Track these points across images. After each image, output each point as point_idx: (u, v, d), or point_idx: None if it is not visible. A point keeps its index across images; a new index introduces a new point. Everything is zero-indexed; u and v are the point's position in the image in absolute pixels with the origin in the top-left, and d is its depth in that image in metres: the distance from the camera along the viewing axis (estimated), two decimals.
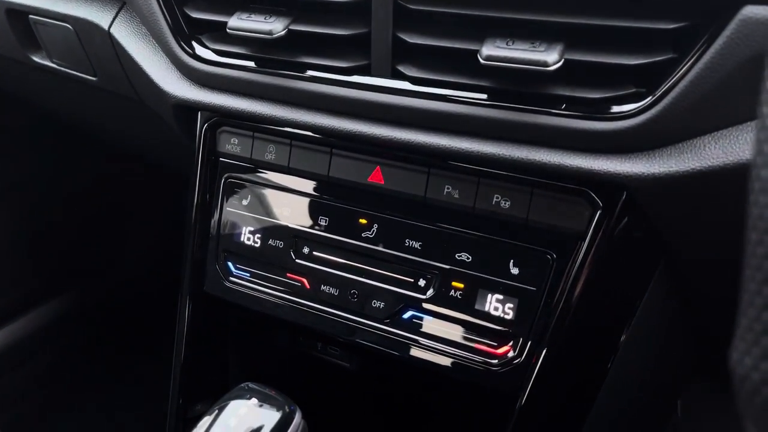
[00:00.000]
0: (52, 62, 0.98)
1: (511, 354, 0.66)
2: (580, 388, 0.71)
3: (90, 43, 0.87)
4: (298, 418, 0.64)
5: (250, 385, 0.67)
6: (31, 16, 0.92)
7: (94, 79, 0.93)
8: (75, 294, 1.44)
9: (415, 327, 0.70)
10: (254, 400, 0.64)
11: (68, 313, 1.42)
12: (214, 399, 0.69)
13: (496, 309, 0.66)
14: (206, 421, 0.64)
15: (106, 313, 1.51)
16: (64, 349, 1.43)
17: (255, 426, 0.62)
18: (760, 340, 0.24)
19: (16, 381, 1.34)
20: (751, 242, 0.25)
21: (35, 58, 1.01)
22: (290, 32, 0.66)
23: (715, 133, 0.55)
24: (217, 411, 0.65)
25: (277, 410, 0.64)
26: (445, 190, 0.67)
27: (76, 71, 0.94)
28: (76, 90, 1.03)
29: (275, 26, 0.65)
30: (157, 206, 1.55)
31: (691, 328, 0.86)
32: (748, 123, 0.54)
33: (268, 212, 0.77)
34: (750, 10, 0.49)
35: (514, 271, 0.65)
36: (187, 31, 0.74)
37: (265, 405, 0.64)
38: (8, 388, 1.32)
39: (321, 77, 0.68)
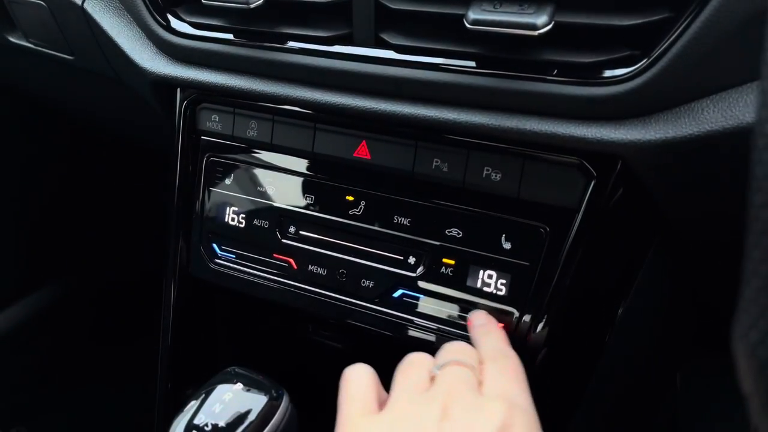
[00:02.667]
0: (29, 42, 0.95)
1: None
2: (576, 364, 0.69)
3: (64, 20, 0.84)
4: (285, 402, 0.62)
5: (237, 369, 0.66)
6: None
7: (71, 58, 0.90)
8: (62, 283, 1.42)
9: (406, 305, 0.68)
10: (240, 385, 0.62)
11: (56, 302, 1.40)
12: (203, 383, 0.67)
13: (488, 285, 0.64)
14: (192, 406, 0.62)
15: (93, 301, 1.49)
16: (54, 337, 1.41)
17: (241, 411, 0.60)
18: (766, 313, 0.22)
19: (8, 371, 1.33)
20: (755, 205, 0.22)
21: (12, 39, 0.98)
22: (268, 2, 0.63)
23: (714, 96, 0.52)
24: (203, 395, 0.63)
25: (264, 394, 0.62)
26: (434, 163, 0.64)
27: (53, 50, 0.91)
28: (57, 72, 1.01)
29: None
30: (143, 190, 1.52)
31: (690, 301, 0.84)
32: (749, 84, 0.51)
33: (253, 191, 0.75)
34: None
35: (506, 245, 0.63)
36: (162, 4, 0.71)
37: (252, 389, 0.62)
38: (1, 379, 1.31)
39: (302, 48, 0.65)
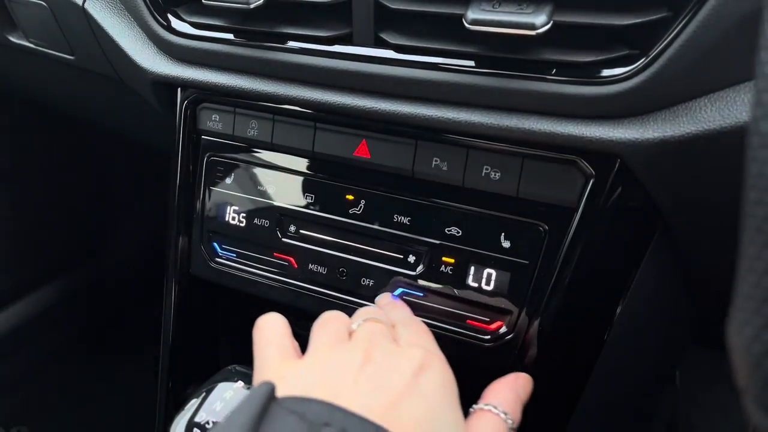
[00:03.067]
0: (30, 42, 0.95)
1: (503, 329, 0.64)
2: (575, 361, 0.69)
3: (65, 20, 0.84)
4: None
5: (237, 367, 0.66)
6: None
7: (71, 58, 0.90)
8: (62, 282, 1.42)
9: (405, 304, 0.68)
10: (240, 383, 0.63)
11: (56, 301, 1.40)
12: (204, 381, 0.67)
13: (487, 284, 0.64)
14: (192, 404, 0.63)
15: (94, 300, 1.49)
16: (54, 336, 1.41)
17: None
18: (761, 309, 0.22)
19: (9, 370, 1.33)
20: (750, 202, 0.23)
21: (13, 39, 0.98)
22: (269, 1, 0.63)
23: (712, 95, 0.52)
24: (204, 394, 0.64)
25: None
26: (434, 162, 0.65)
27: (54, 50, 0.92)
28: (58, 72, 1.01)
29: None
30: (144, 189, 1.53)
31: (689, 298, 0.84)
32: (746, 83, 0.51)
33: (253, 191, 0.75)
34: None
35: (506, 244, 0.63)
36: (162, 4, 0.71)
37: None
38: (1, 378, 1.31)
39: (302, 48, 0.65)
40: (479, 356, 0.65)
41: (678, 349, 1.03)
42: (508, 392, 0.55)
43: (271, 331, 0.53)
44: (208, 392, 0.63)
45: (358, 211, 0.69)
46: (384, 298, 0.66)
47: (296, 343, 0.53)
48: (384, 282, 0.69)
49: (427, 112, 0.61)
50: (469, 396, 0.56)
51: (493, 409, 0.52)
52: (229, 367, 0.67)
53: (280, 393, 0.44)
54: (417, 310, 0.67)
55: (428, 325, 0.66)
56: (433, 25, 0.59)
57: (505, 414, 0.52)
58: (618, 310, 0.67)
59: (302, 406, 0.40)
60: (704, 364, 1.10)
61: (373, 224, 0.69)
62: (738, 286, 0.23)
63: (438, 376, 0.48)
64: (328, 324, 0.54)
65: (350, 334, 0.53)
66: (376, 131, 0.67)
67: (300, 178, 0.72)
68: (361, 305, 0.70)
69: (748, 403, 0.23)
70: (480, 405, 0.53)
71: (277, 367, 0.49)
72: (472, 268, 0.65)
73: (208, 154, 0.77)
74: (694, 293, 0.82)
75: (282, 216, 0.73)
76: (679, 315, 0.88)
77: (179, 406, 0.71)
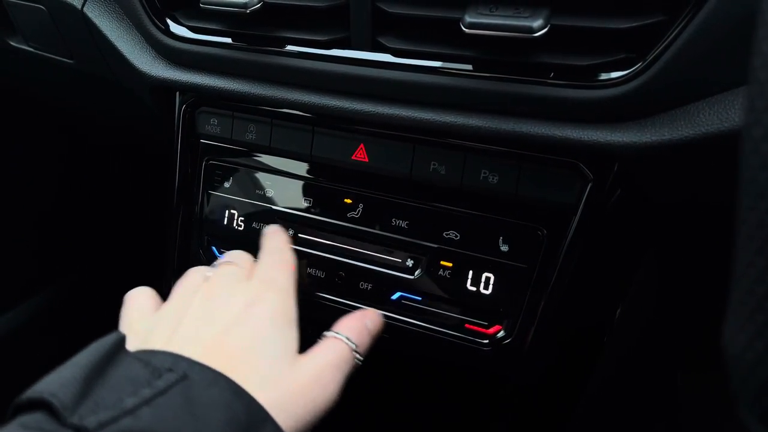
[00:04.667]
0: (29, 46, 0.95)
1: (501, 333, 0.64)
2: (575, 364, 0.69)
3: (64, 23, 0.84)
4: None
5: None
6: None
7: (70, 61, 0.90)
8: (62, 286, 1.42)
9: (404, 308, 0.68)
10: None
11: (56, 305, 1.40)
12: None
13: (486, 287, 0.64)
14: None
15: (93, 304, 1.49)
16: (54, 340, 1.41)
17: None
18: (753, 316, 0.22)
19: (11, 372, 1.33)
20: (743, 208, 0.23)
21: (11, 42, 0.98)
22: (266, 5, 0.63)
23: (709, 98, 0.52)
24: None
25: None
26: (431, 166, 0.65)
27: (53, 54, 0.92)
28: (57, 75, 1.01)
29: None
30: (142, 193, 1.53)
31: (689, 301, 0.84)
32: (744, 87, 0.51)
33: (251, 194, 0.75)
34: None
35: (504, 248, 0.63)
36: (160, 7, 0.71)
37: None
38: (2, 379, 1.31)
39: (299, 52, 0.65)
40: (478, 360, 0.65)
41: (678, 350, 1.03)
42: (354, 321, 0.60)
43: (135, 299, 0.59)
44: None
45: (357, 214, 0.69)
46: (269, 227, 0.69)
47: (159, 304, 0.59)
48: (382, 285, 0.69)
49: (425, 115, 0.61)
50: (469, 397, 0.56)
51: (337, 335, 0.57)
52: None
53: (129, 341, 0.49)
54: (415, 313, 0.68)
55: (426, 329, 0.67)
56: (431, 29, 0.59)
57: (349, 339, 0.57)
58: (617, 313, 0.67)
59: (148, 355, 0.44)
60: (707, 367, 1.10)
61: (371, 228, 0.69)
62: (731, 293, 0.23)
63: (269, 306, 0.53)
64: (185, 277, 0.60)
65: (206, 280, 0.58)
66: (374, 135, 0.67)
67: (298, 182, 0.72)
68: (358, 308, 0.70)
69: (742, 410, 0.23)
70: (330, 333, 0.58)
71: (133, 324, 0.55)
72: (471, 272, 0.65)
73: (206, 158, 0.77)
74: (695, 295, 0.82)
75: (280, 220, 0.73)
76: (680, 317, 0.88)
77: None
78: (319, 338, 0.57)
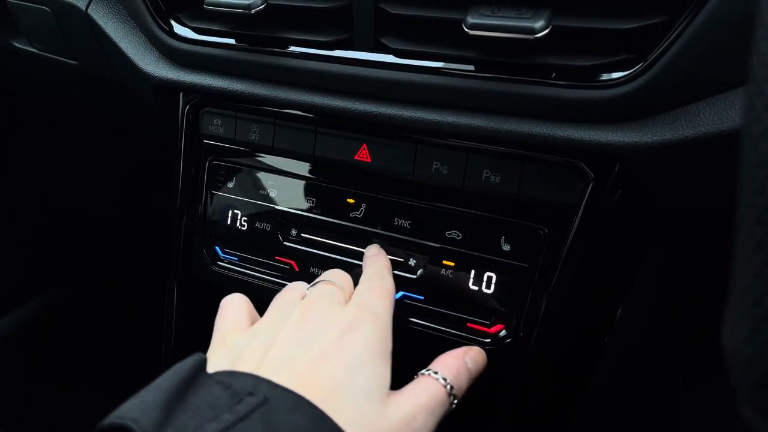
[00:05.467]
0: (33, 47, 0.96)
1: (503, 332, 0.64)
2: (576, 364, 0.70)
3: (68, 25, 0.84)
4: None
5: None
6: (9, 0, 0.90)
7: (75, 63, 0.91)
8: (65, 286, 1.43)
9: (406, 307, 0.68)
10: None
11: (59, 304, 1.41)
12: None
13: (488, 287, 0.64)
14: None
15: (96, 303, 1.50)
16: (56, 340, 1.42)
17: None
18: (752, 312, 0.23)
19: (11, 373, 1.33)
20: (742, 206, 0.23)
21: (16, 44, 0.99)
22: (269, 6, 0.63)
23: (710, 98, 0.52)
24: None
25: None
26: (434, 166, 0.65)
27: (57, 55, 0.92)
28: (61, 77, 1.02)
29: (254, 0, 0.63)
30: (146, 193, 1.53)
31: (690, 301, 0.84)
32: (744, 87, 0.51)
33: (254, 194, 0.75)
34: None
35: (506, 247, 0.63)
36: (164, 9, 0.72)
37: None
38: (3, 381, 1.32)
39: (303, 53, 0.65)
40: None
41: (679, 350, 1.03)
42: (454, 360, 0.57)
43: (230, 308, 0.58)
44: None
45: (359, 214, 0.70)
46: (370, 249, 0.67)
47: (255, 316, 0.58)
48: None
49: (428, 116, 0.62)
50: (470, 396, 0.56)
51: (434, 375, 0.53)
52: None
53: (219, 355, 0.50)
54: (417, 313, 0.68)
55: (428, 328, 0.67)
56: (433, 29, 0.59)
57: (446, 380, 0.53)
58: (618, 312, 0.67)
59: (229, 377, 0.43)
60: (708, 367, 1.10)
61: (373, 228, 0.69)
62: (731, 289, 0.24)
63: (366, 335, 0.50)
64: (283, 293, 0.58)
65: (303, 297, 0.56)
66: (376, 135, 0.67)
67: (301, 182, 0.73)
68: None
69: (742, 404, 0.24)
70: (426, 371, 0.54)
71: (227, 337, 0.54)
72: (473, 272, 0.65)
73: (209, 158, 0.78)
74: (695, 295, 0.82)
75: (283, 220, 0.74)
76: (681, 317, 0.88)
77: None
78: (415, 375, 0.54)
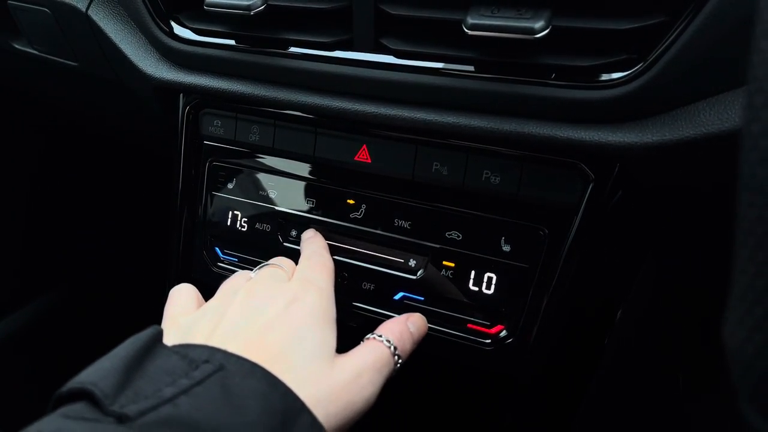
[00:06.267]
0: (33, 48, 0.96)
1: (504, 333, 0.64)
2: (576, 364, 0.70)
3: (68, 26, 0.84)
4: None
5: None
6: (9, 1, 0.90)
7: (75, 64, 0.91)
8: (65, 287, 1.42)
9: (406, 308, 0.68)
10: None
11: (59, 305, 1.41)
12: None
13: (488, 287, 0.64)
14: None
15: (96, 304, 1.50)
16: (56, 341, 1.42)
17: None
18: (753, 310, 0.23)
19: (11, 376, 1.33)
20: (742, 204, 0.23)
21: (16, 45, 0.99)
22: (269, 7, 0.63)
23: (710, 98, 0.53)
24: None
25: None
26: (434, 167, 0.65)
27: (57, 57, 0.92)
28: (61, 78, 1.02)
29: (254, 1, 0.63)
30: (146, 194, 1.53)
31: (691, 301, 0.84)
32: (745, 87, 0.51)
33: (254, 195, 0.75)
34: None
35: (506, 248, 0.63)
36: (164, 10, 0.72)
37: None
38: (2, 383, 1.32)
39: (303, 53, 0.66)
40: (480, 360, 0.66)
41: (680, 351, 1.03)
42: (397, 325, 0.60)
43: (178, 295, 0.60)
44: None
45: (359, 215, 0.70)
46: (307, 232, 0.71)
47: (202, 302, 0.60)
48: (385, 286, 0.69)
49: (427, 116, 0.62)
50: (470, 396, 0.56)
51: (378, 337, 0.57)
52: None
53: (170, 335, 0.52)
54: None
55: (429, 329, 0.67)
56: (433, 30, 0.59)
57: (389, 341, 0.56)
58: (618, 313, 0.67)
59: (185, 348, 0.45)
60: (708, 368, 1.10)
61: (373, 228, 0.69)
62: (731, 287, 0.24)
63: (308, 305, 0.54)
64: (229, 279, 0.61)
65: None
66: (376, 136, 0.67)
67: (301, 183, 0.73)
68: (362, 309, 0.70)
69: (742, 403, 0.24)
70: (372, 335, 0.57)
71: (175, 320, 0.56)
72: (473, 272, 0.65)
73: (210, 159, 0.78)
74: (697, 295, 0.82)
75: (283, 220, 0.74)
76: (681, 318, 0.88)
77: None
78: (361, 341, 0.57)
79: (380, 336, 0.57)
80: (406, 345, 0.58)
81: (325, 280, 0.59)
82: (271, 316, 0.52)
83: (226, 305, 0.55)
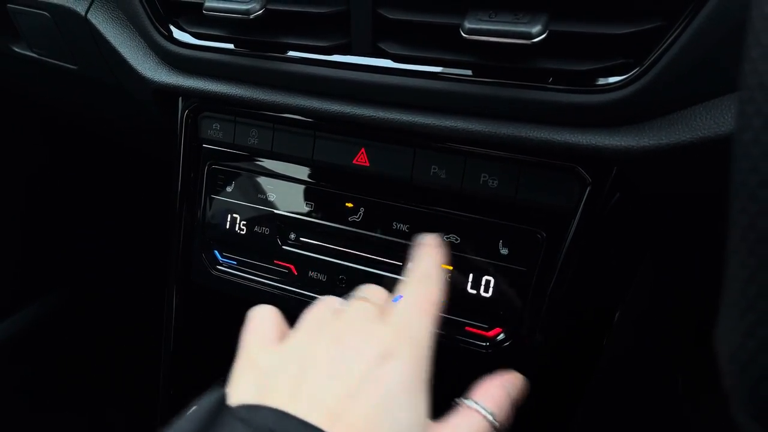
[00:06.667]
0: (33, 52, 0.96)
1: (502, 336, 0.64)
2: (574, 367, 0.70)
3: (68, 30, 0.85)
4: None
5: None
6: (9, 5, 0.91)
7: (74, 67, 0.91)
8: (64, 290, 1.43)
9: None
10: None
11: (58, 308, 1.41)
12: (204, 389, 0.68)
13: (486, 291, 0.64)
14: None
15: (95, 307, 1.50)
16: (55, 344, 1.42)
17: None
18: (745, 316, 0.23)
19: (10, 378, 1.33)
20: (734, 210, 0.23)
21: (16, 48, 0.99)
22: (268, 12, 0.63)
23: (707, 102, 0.53)
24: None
25: None
26: (432, 170, 0.65)
27: (57, 60, 0.93)
28: (61, 81, 1.02)
29: (253, 6, 0.63)
30: (145, 197, 1.53)
31: (689, 304, 0.84)
32: (736, 93, 0.52)
33: (253, 199, 0.76)
34: None
35: (504, 251, 0.63)
36: (164, 14, 0.72)
37: None
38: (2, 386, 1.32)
39: (301, 57, 0.66)
40: (478, 363, 0.66)
41: (679, 353, 1.03)
42: (497, 389, 0.52)
43: (258, 322, 0.55)
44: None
45: (358, 218, 0.70)
46: (424, 238, 0.60)
47: (285, 330, 0.54)
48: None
49: (425, 120, 0.62)
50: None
51: (475, 405, 0.49)
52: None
53: (247, 378, 0.47)
54: None
55: None
56: (431, 34, 0.60)
57: (491, 413, 0.49)
58: (616, 316, 0.67)
59: (251, 413, 0.41)
60: (708, 370, 1.10)
61: (372, 232, 0.69)
62: (723, 294, 0.24)
63: (401, 366, 0.46)
64: (315, 308, 0.54)
65: (336, 314, 0.53)
66: (375, 139, 0.68)
67: (300, 186, 0.73)
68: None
69: (735, 409, 0.24)
70: (465, 401, 0.50)
71: (253, 354, 0.51)
72: (471, 275, 0.65)
73: (208, 163, 0.78)
74: (695, 298, 0.82)
75: (282, 224, 0.74)
76: (680, 320, 0.89)
77: (180, 414, 0.71)
78: (453, 402, 0.50)
79: (477, 404, 0.50)
80: (506, 415, 0.51)
81: (425, 328, 0.50)
82: (360, 375, 0.45)
83: (311, 348, 0.48)
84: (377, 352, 0.46)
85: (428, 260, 0.57)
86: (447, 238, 0.65)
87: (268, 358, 0.49)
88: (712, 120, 0.52)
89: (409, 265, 0.57)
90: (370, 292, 0.56)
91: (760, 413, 0.23)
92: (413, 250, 0.59)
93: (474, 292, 0.65)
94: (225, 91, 0.72)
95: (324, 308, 0.54)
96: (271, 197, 0.75)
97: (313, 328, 0.51)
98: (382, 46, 0.61)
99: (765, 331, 0.21)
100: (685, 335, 0.94)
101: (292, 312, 0.74)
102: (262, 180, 0.75)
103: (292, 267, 0.74)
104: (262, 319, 0.55)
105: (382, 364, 0.45)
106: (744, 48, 0.25)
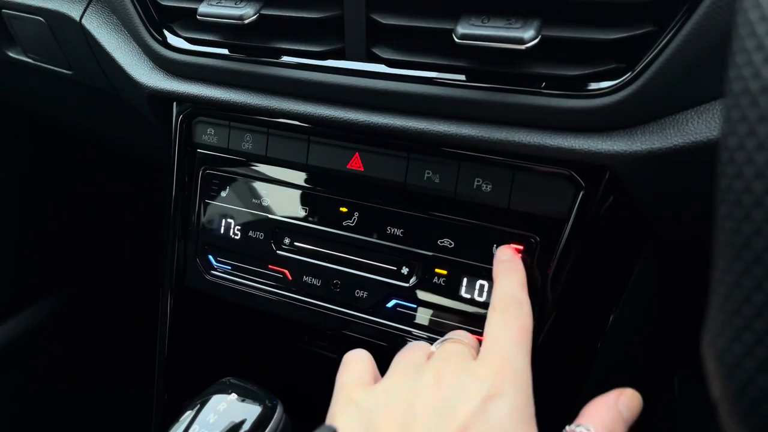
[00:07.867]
0: (28, 57, 0.96)
1: None
2: (568, 371, 0.70)
3: (63, 35, 0.85)
4: (279, 412, 0.63)
5: (231, 380, 0.66)
6: (3, 10, 0.91)
7: (69, 72, 0.91)
8: (59, 296, 1.42)
9: (399, 315, 0.69)
10: (234, 395, 0.63)
11: (53, 314, 1.40)
12: (199, 393, 0.68)
13: (480, 295, 0.64)
14: (187, 416, 0.63)
15: (90, 312, 1.49)
16: (51, 348, 1.41)
17: (236, 421, 0.61)
18: (732, 320, 0.23)
19: (8, 382, 1.33)
20: (721, 216, 0.23)
21: (11, 54, 0.99)
22: (262, 17, 0.64)
23: (698, 107, 0.53)
24: (198, 406, 0.64)
25: (258, 404, 0.62)
26: (426, 175, 0.65)
27: (52, 65, 0.93)
28: (56, 86, 1.02)
29: (246, 11, 0.63)
30: (140, 203, 1.53)
31: (683, 306, 0.84)
32: (722, 99, 0.52)
33: (248, 204, 0.76)
34: None
35: None
36: (158, 20, 0.72)
37: (246, 399, 0.63)
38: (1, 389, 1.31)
39: (295, 62, 0.66)
40: None
41: (675, 356, 1.04)
42: (608, 411, 0.50)
43: (354, 362, 0.54)
44: (203, 404, 0.63)
45: (352, 223, 0.70)
46: (503, 252, 0.60)
47: (377, 374, 0.54)
48: (377, 293, 0.69)
49: (419, 125, 0.62)
50: None
51: (587, 430, 0.47)
52: (224, 380, 0.67)
53: (347, 414, 0.47)
54: (410, 321, 0.68)
55: (422, 338, 0.67)
56: (424, 40, 0.60)
57: None
58: (610, 319, 0.67)
59: None
60: (702, 370, 1.10)
61: (366, 236, 0.69)
62: (711, 298, 0.24)
63: (509, 405, 0.44)
64: (407, 350, 0.54)
65: (429, 356, 0.52)
66: (369, 144, 0.68)
67: (294, 191, 0.73)
68: (355, 317, 0.70)
69: (722, 414, 0.24)
70: (573, 426, 0.48)
71: (351, 391, 0.50)
72: (465, 280, 0.65)
73: (203, 168, 0.78)
74: (688, 300, 0.82)
75: (276, 228, 0.74)
76: (674, 322, 0.89)
77: (174, 418, 0.71)
78: (563, 430, 0.48)
79: (590, 428, 0.47)
80: None
81: (522, 357, 0.48)
82: (469, 414, 0.43)
83: (412, 388, 0.47)
84: (482, 393, 0.45)
85: (509, 281, 0.56)
86: (441, 242, 0.66)
87: (368, 397, 0.48)
88: (703, 124, 0.52)
89: (493, 291, 0.56)
90: (460, 334, 0.56)
91: (747, 418, 0.23)
92: (492, 269, 0.58)
93: (468, 296, 0.65)
94: (219, 96, 0.72)
95: (417, 350, 0.53)
96: (266, 202, 0.75)
97: (410, 370, 0.50)
98: (376, 51, 0.61)
99: (751, 335, 0.21)
100: (682, 335, 0.94)
101: (286, 317, 0.75)
102: (257, 185, 0.75)
103: (286, 272, 0.74)
104: (357, 360, 0.54)
105: (488, 403, 0.44)
106: (730, 54, 0.25)
